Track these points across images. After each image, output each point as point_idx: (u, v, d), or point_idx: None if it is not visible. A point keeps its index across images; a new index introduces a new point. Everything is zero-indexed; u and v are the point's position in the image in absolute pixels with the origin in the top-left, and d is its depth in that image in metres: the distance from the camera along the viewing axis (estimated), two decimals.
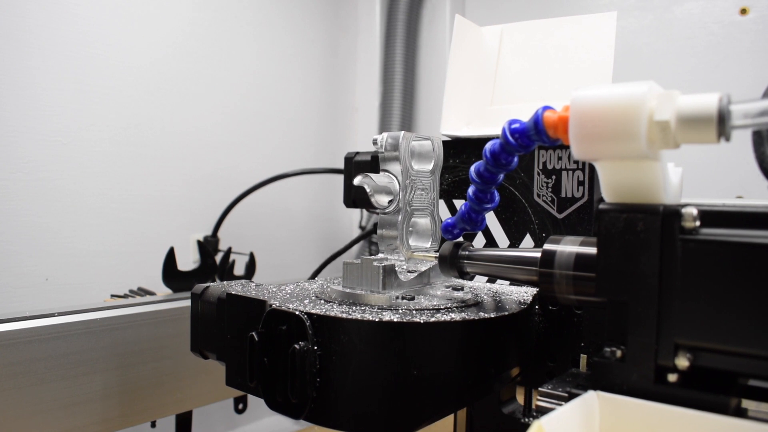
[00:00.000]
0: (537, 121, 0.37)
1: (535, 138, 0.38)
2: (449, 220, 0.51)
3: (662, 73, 1.32)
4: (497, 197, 0.47)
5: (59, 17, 1.09)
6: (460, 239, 0.51)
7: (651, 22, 1.35)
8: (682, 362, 0.31)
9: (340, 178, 0.69)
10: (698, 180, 1.20)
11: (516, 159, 0.42)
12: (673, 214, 0.32)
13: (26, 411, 0.62)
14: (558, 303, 0.41)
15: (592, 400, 0.33)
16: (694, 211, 0.32)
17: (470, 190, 0.47)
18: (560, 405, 0.35)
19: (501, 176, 0.45)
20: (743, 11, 1.25)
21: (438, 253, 0.49)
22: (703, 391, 0.31)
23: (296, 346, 0.40)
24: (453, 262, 0.48)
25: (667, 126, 0.31)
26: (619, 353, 0.33)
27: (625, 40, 1.36)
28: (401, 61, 1.67)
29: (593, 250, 0.36)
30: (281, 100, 1.57)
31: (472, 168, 0.45)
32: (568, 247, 0.40)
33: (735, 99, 0.30)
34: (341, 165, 0.69)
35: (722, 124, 0.30)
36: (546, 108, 0.37)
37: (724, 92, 0.30)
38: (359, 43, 1.80)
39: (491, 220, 0.60)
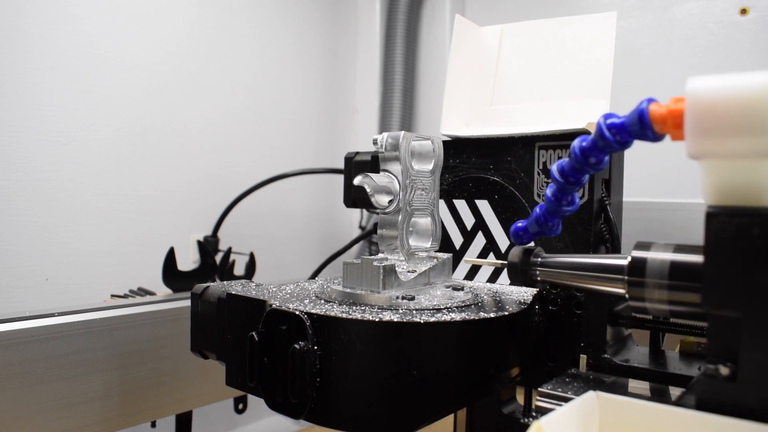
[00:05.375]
0: (642, 115, 0.34)
1: (637, 133, 0.35)
2: (519, 224, 0.47)
3: (662, 74, 1.32)
4: (577, 200, 0.44)
5: (59, 17, 1.09)
6: (531, 245, 0.48)
7: (651, 22, 1.35)
8: None
9: (340, 178, 0.69)
10: None
11: (607, 159, 0.39)
12: None
13: (26, 411, 0.62)
14: (647, 313, 0.39)
15: (591, 400, 0.33)
16: None
17: (548, 191, 0.43)
18: (560, 405, 0.35)
19: (586, 177, 0.41)
20: (743, 11, 1.25)
21: (507, 260, 0.47)
22: None
23: (296, 346, 0.40)
24: (525, 270, 0.45)
25: None
26: (725, 371, 0.31)
27: (625, 40, 1.35)
28: (401, 61, 1.66)
29: (691, 258, 0.35)
30: (281, 100, 1.57)
31: (555, 166, 0.42)
32: (660, 254, 0.38)
33: None
34: (341, 165, 0.69)
35: None
36: (650, 100, 0.34)
37: None
38: (359, 43, 1.79)
39: (491, 220, 0.60)
